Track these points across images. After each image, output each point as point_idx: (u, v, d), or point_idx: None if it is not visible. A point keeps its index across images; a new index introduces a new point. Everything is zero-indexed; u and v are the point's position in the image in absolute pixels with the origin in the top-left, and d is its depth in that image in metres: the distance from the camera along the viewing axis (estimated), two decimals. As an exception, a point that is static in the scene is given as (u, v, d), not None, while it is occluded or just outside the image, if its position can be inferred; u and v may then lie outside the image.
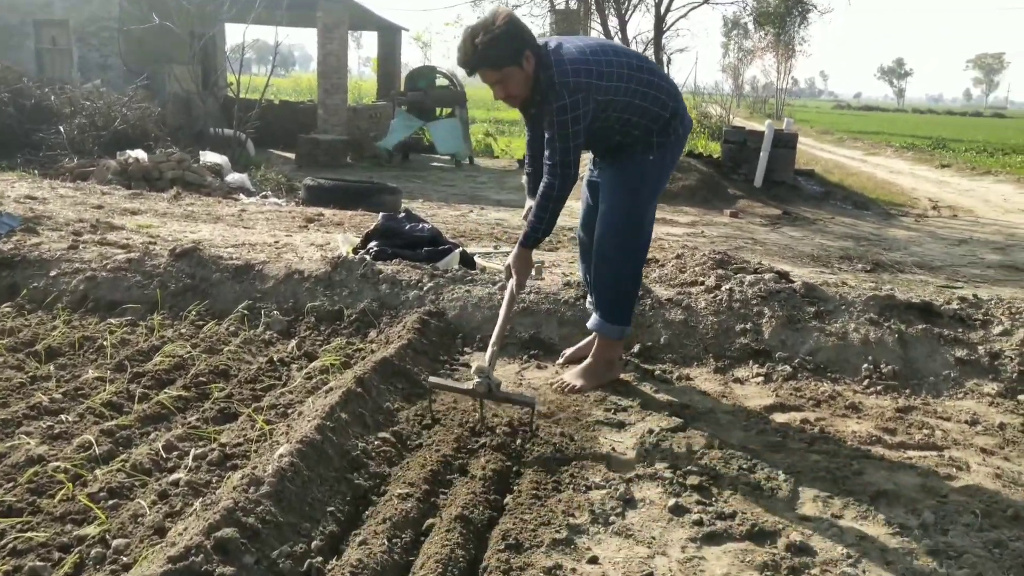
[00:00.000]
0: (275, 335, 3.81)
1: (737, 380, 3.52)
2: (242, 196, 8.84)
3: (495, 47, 2.91)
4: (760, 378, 3.52)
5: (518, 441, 2.84)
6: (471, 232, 7.31)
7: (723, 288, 3.96)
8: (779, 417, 3.16)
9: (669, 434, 2.92)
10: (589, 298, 3.63)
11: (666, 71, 19.14)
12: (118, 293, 4.01)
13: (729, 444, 2.87)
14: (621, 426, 3.02)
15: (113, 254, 4.29)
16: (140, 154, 8.69)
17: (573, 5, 18.67)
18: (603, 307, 3.35)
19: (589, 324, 3.45)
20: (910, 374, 3.55)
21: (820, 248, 9.00)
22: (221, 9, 12.92)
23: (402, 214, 4.94)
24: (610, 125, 3.13)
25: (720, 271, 4.18)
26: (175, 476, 2.36)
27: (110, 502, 2.22)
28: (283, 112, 18.25)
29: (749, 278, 3.99)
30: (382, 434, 2.75)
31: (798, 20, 38.15)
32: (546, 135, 3.05)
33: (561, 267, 5.64)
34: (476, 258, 5.46)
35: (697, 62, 77.76)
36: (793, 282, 4.16)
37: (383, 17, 17.97)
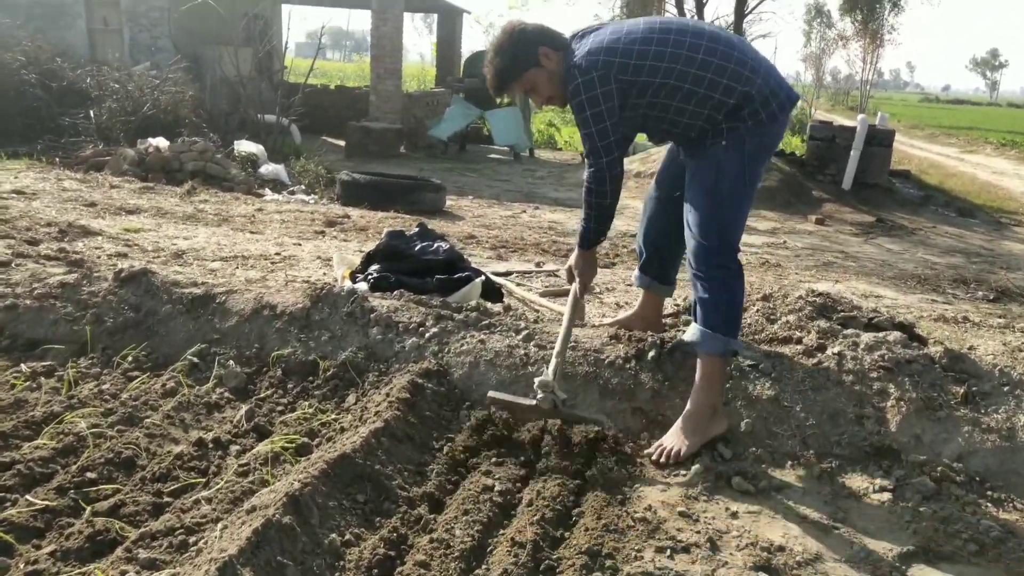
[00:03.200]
0: (226, 394, 2.90)
1: (852, 496, 2.45)
2: (267, 191, 8.03)
3: (507, 58, 2.76)
4: (886, 495, 2.44)
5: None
6: (515, 242, 6.32)
7: (829, 352, 2.88)
8: None
9: (755, 609, 1.89)
10: (637, 274, 3.39)
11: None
12: (41, 328, 3.17)
13: (850, 633, 1.84)
14: (680, 584, 2.00)
15: (51, 274, 3.46)
16: (161, 142, 7.96)
17: (646, -13, 17.43)
18: (704, 313, 2.75)
19: (687, 337, 2.83)
20: (1114, 500, 2.42)
21: (925, 265, 7.71)
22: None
23: (415, 228, 3.98)
24: (655, 114, 2.73)
25: (823, 322, 3.10)
26: None
27: None
28: (338, 98, 17.56)
29: (866, 338, 2.90)
30: (309, 600, 1.80)
31: (889, 7, 35.87)
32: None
33: (615, 292, 4.61)
34: (510, 281, 4.48)
35: (776, 51, 74.61)
36: (925, 344, 3.05)
37: (443, -1, 17.06)
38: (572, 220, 8.67)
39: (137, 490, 2.22)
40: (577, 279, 3.05)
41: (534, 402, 2.60)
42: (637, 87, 2.64)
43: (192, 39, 14.38)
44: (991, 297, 6.19)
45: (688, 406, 2.68)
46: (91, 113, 9.37)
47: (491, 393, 2.72)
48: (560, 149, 17.09)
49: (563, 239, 6.95)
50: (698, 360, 2.72)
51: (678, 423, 2.66)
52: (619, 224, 8.57)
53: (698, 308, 2.76)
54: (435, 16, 20.27)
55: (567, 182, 12.00)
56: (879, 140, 11.69)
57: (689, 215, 2.75)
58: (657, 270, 3.29)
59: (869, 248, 8.59)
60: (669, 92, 2.64)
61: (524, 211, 9.08)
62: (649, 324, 3.30)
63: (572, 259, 3.09)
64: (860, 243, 8.88)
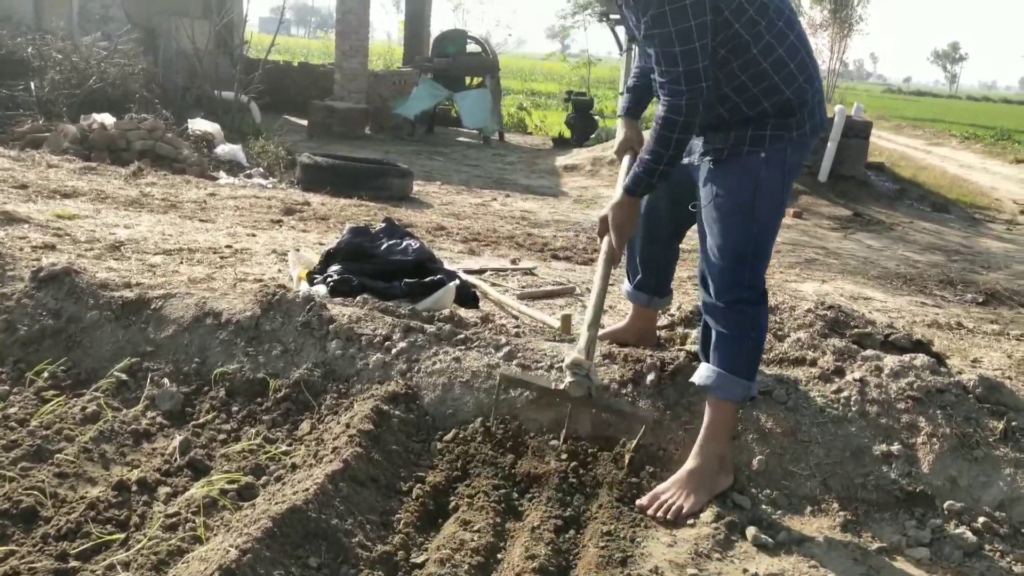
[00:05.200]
0: (158, 419, 2.50)
1: (884, 552, 2.13)
2: (222, 174, 7.53)
3: None
4: (922, 550, 2.13)
5: None
6: (488, 234, 5.94)
7: (849, 377, 2.56)
8: (978, 657, 1.78)
9: None
10: (628, 284, 2.96)
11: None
12: (-60, 338, 2.72)
13: None
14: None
15: (-43, 273, 3.00)
16: (106, 119, 7.39)
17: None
18: (723, 353, 2.35)
19: (697, 380, 2.40)
20: None
21: (907, 263, 7.51)
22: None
23: (382, 224, 3.58)
24: (726, 74, 2.25)
25: (837, 340, 2.78)
26: None
27: None
28: (301, 75, 16.93)
29: (889, 362, 2.59)
30: None
31: (859, -4, 36.07)
32: (652, 49, 2.23)
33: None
34: (484, 280, 4.11)
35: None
36: (944, 365, 2.75)
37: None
38: (544, 209, 8.32)
39: (36, 551, 1.82)
40: (612, 231, 2.45)
41: (562, 386, 2.11)
42: (726, 29, 2.18)
43: (146, 9, 13.66)
44: (980, 300, 5.98)
45: (692, 458, 2.30)
46: (31, 85, 8.73)
47: (503, 370, 2.22)
48: (530, 133, 16.67)
49: (537, 231, 6.59)
50: (707, 404, 2.35)
51: (681, 475, 2.28)
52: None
53: (716, 345, 2.35)
54: (403, -7, 19.66)
55: (538, 169, 11.62)
56: (856, 132, 11.48)
57: (714, 236, 2.33)
58: (655, 285, 2.92)
59: (849, 244, 8.37)
60: (744, 54, 2.22)
61: (495, 199, 8.70)
62: (643, 338, 2.95)
63: (609, 208, 2.46)
64: (839, 238, 8.66)
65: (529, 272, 4.63)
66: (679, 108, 2.20)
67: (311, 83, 15.93)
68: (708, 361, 2.39)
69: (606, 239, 2.49)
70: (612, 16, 17.14)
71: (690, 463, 2.29)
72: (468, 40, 14.81)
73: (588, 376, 2.06)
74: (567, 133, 14.37)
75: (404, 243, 3.39)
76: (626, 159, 2.75)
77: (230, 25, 14.83)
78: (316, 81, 15.96)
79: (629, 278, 2.95)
